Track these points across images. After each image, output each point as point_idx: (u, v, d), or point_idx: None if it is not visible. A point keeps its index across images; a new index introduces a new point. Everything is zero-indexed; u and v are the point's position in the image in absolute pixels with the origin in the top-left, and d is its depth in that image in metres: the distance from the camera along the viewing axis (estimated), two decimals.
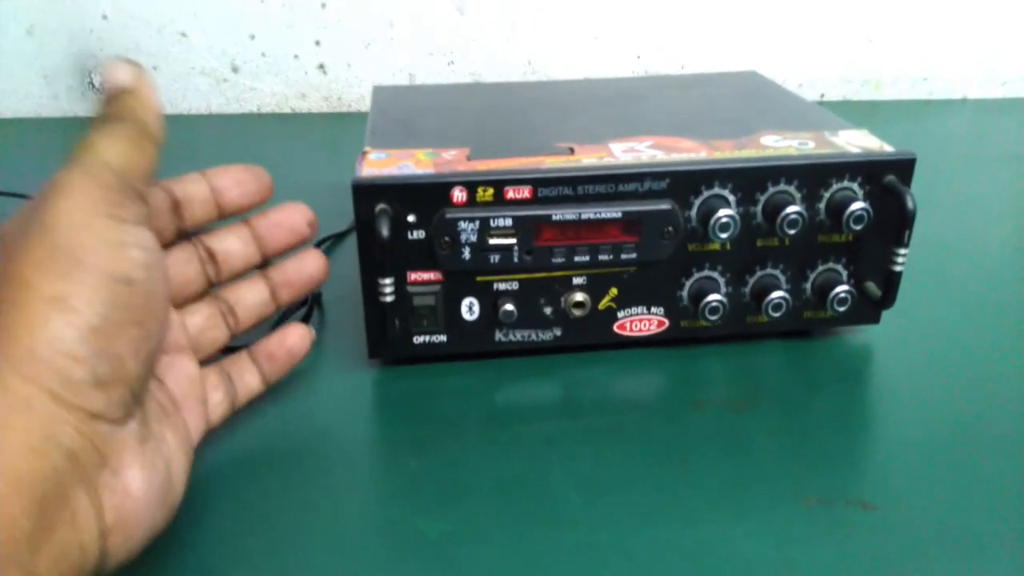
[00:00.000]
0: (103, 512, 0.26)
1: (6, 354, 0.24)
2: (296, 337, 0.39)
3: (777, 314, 0.42)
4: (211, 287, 0.37)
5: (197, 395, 0.34)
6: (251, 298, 0.38)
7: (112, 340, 0.26)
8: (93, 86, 0.82)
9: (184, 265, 0.36)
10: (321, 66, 0.82)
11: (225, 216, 0.37)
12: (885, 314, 0.44)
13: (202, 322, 0.36)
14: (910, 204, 0.39)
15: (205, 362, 0.36)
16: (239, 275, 0.38)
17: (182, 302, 0.36)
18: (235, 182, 0.36)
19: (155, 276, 0.29)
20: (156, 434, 0.30)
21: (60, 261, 0.26)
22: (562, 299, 0.42)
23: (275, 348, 0.38)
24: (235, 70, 0.82)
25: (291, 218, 0.38)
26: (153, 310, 0.28)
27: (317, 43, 0.81)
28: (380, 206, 0.38)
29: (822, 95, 0.86)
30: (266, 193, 0.37)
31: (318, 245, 0.54)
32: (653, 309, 0.43)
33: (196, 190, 0.35)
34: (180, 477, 0.31)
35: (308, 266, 0.39)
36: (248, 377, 0.38)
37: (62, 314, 0.25)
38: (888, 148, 0.42)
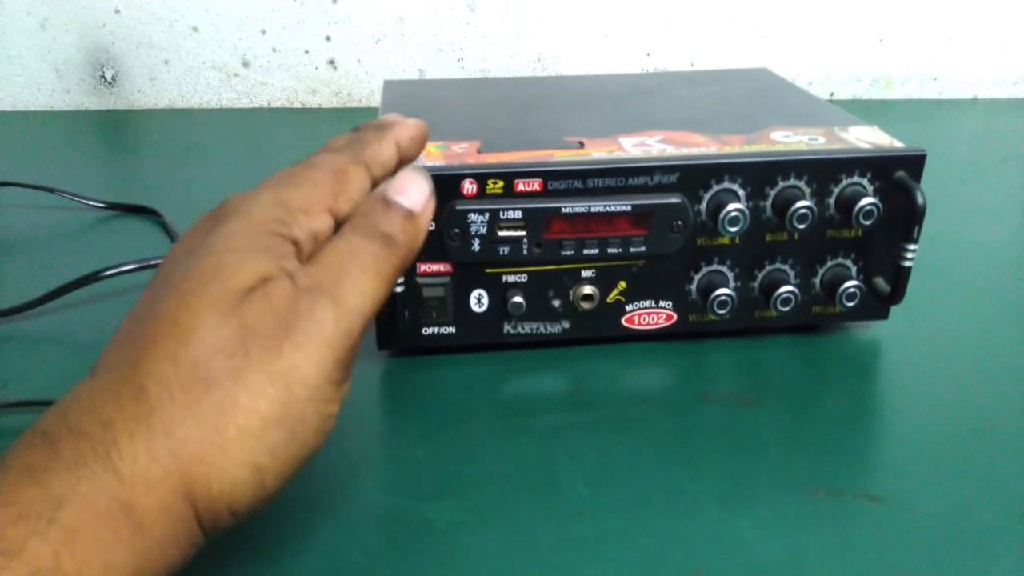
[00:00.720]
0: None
1: (198, 493, 0.23)
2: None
3: (786, 309, 0.42)
4: None
5: None
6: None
7: (266, 502, 0.26)
8: (105, 80, 0.82)
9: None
10: (331, 61, 0.82)
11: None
12: (893, 310, 0.44)
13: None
14: (920, 200, 0.39)
15: None
16: None
17: None
18: (413, 142, 0.33)
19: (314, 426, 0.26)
20: None
21: (280, 430, 0.24)
22: (571, 292, 0.42)
23: None
24: (246, 65, 0.82)
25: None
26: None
27: (327, 38, 0.81)
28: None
29: (832, 94, 0.86)
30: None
31: None
32: (661, 303, 0.43)
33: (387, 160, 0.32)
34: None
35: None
36: None
37: (254, 488, 0.24)
38: (898, 144, 0.42)
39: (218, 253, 0.26)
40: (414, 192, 0.29)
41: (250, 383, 0.24)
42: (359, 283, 0.26)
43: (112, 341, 0.26)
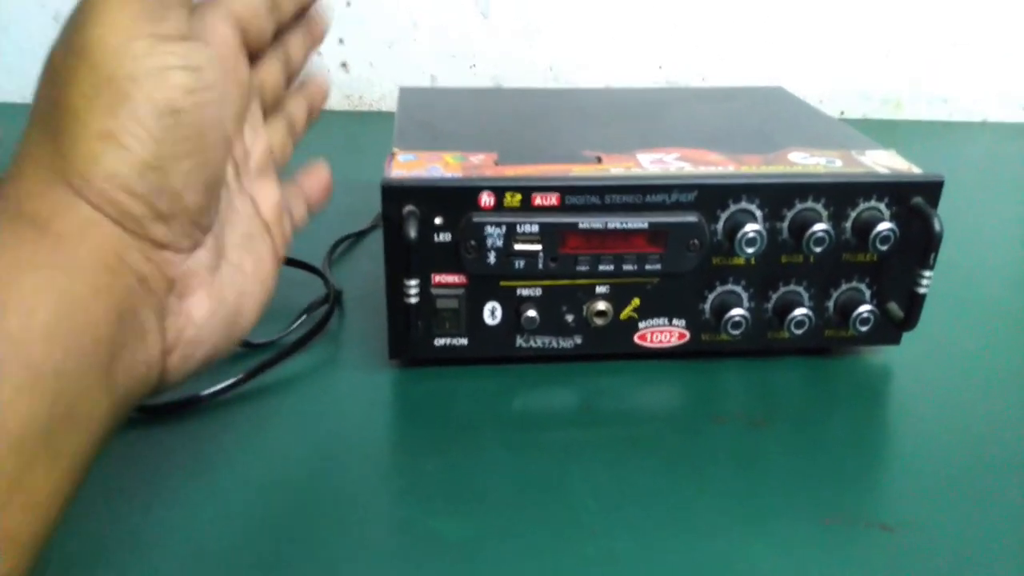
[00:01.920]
0: (165, 333, 0.27)
1: (69, 178, 0.25)
2: (327, 172, 0.38)
3: (799, 331, 0.42)
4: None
5: (279, 219, 0.34)
6: (299, 111, 0.37)
7: (166, 174, 0.26)
8: None
9: (277, 71, 0.34)
10: (343, 64, 0.82)
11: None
12: (905, 335, 0.44)
13: (281, 139, 0.35)
14: (937, 227, 0.39)
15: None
16: (298, 76, 0.37)
17: (268, 114, 0.35)
18: None
19: (205, 99, 0.27)
20: (233, 262, 0.30)
21: (106, 94, 0.25)
22: (584, 307, 0.42)
23: (321, 176, 0.38)
24: None
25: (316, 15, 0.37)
26: (208, 137, 0.27)
27: (340, 41, 0.81)
28: (408, 207, 0.38)
29: (842, 112, 0.86)
30: None
31: (339, 243, 0.54)
32: (675, 321, 0.43)
33: None
34: (252, 309, 0.31)
35: (315, 90, 0.39)
36: (298, 204, 0.37)
37: (114, 151, 0.25)
38: (916, 170, 0.42)
39: None
40: None
41: (60, 74, 0.25)
42: None
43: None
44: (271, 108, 0.35)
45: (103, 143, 0.25)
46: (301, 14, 0.35)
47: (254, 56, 0.32)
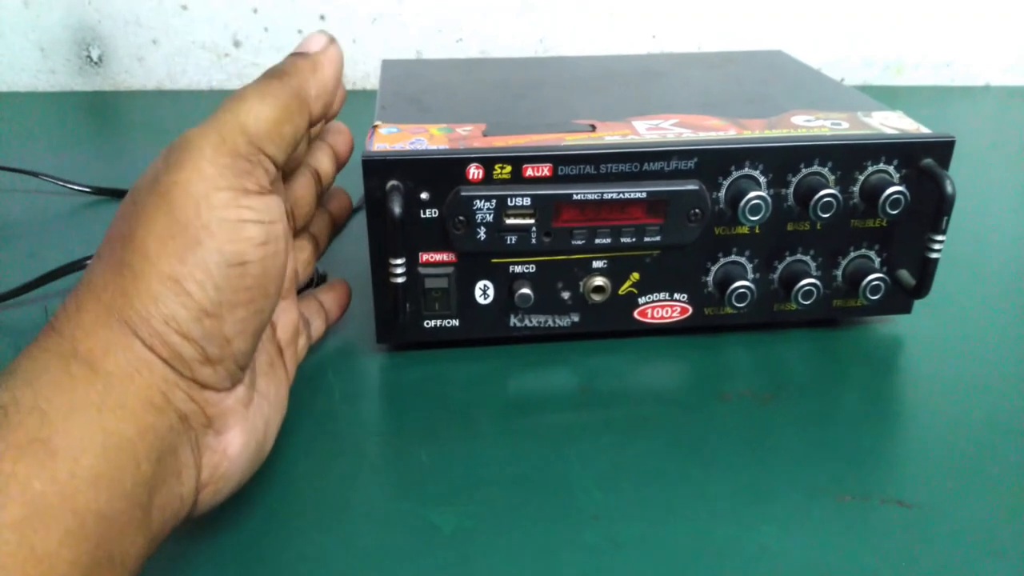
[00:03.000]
0: (201, 469, 0.27)
1: (127, 316, 0.25)
2: (331, 299, 0.41)
3: (807, 302, 0.40)
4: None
5: (296, 338, 0.35)
6: (321, 225, 0.39)
7: (222, 322, 0.26)
8: (91, 59, 0.79)
9: (308, 193, 0.36)
10: None
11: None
12: (915, 304, 0.42)
13: (306, 257, 0.37)
14: (949, 188, 0.37)
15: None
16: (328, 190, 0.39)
17: (298, 233, 0.36)
18: (339, 100, 0.35)
19: (271, 251, 0.28)
20: (261, 391, 0.31)
21: (179, 240, 0.25)
22: (581, 283, 0.40)
23: (341, 293, 0.41)
24: (237, 45, 0.80)
25: (340, 125, 0.39)
26: (265, 288, 0.28)
27: (322, 17, 0.79)
28: (391, 183, 0.36)
29: (843, 79, 0.84)
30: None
31: None
32: (676, 295, 0.41)
33: None
34: (273, 433, 0.32)
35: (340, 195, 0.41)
36: (318, 321, 0.40)
37: (176, 296, 0.25)
38: (924, 130, 0.40)
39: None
40: (312, 41, 0.32)
41: (138, 212, 0.26)
42: (245, 102, 0.28)
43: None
44: (300, 228, 0.36)
45: (167, 286, 0.25)
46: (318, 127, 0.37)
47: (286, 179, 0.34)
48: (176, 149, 0.27)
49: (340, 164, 0.39)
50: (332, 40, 0.32)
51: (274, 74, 0.30)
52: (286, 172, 0.34)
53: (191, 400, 0.26)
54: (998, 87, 0.85)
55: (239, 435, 0.29)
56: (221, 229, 0.26)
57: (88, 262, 0.27)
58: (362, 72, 0.81)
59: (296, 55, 0.31)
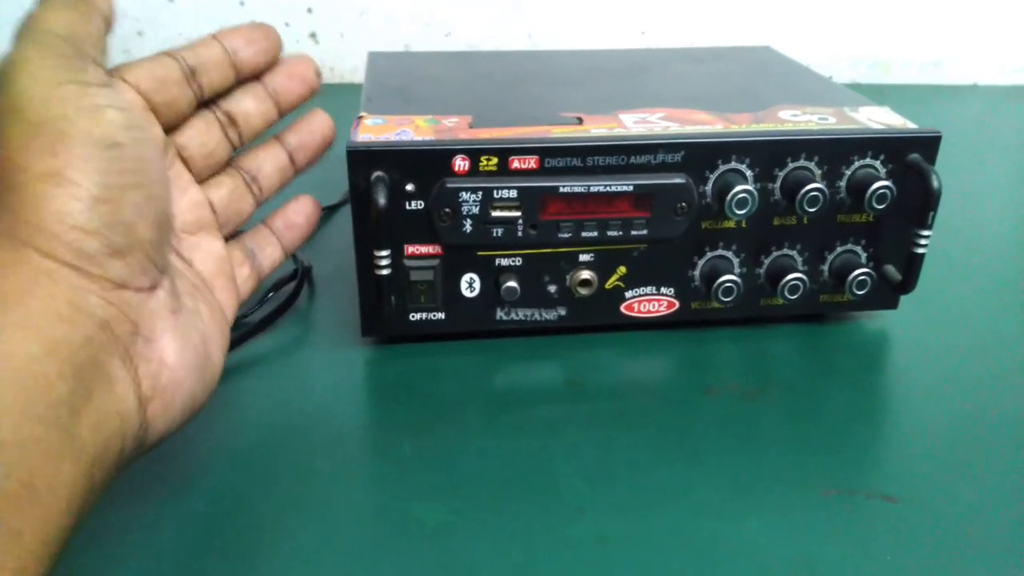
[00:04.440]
0: (139, 381, 0.26)
1: (17, 232, 0.24)
2: (310, 205, 0.38)
3: (793, 296, 0.40)
4: (234, 152, 0.36)
5: (226, 272, 0.34)
6: (271, 164, 0.37)
7: (117, 207, 0.26)
8: None
9: (206, 134, 0.34)
10: (313, 35, 0.79)
11: (241, 77, 0.35)
12: (902, 299, 0.42)
13: (227, 195, 0.35)
14: (935, 183, 0.37)
15: (232, 236, 0.36)
16: (259, 135, 0.37)
17: (208, 174, 0.35)
18: (247, 41, 0.34)
19: (142, 136, 0.27)
20: (189, 307, 0.30)
21: (43, 136, 0.25)
22: (567, 277, 0.39)
23: (294, 216, 0.38)
24: None
25: (299, 68, 0.36)
26: (149, 171, 0.27)
27: (309, 10, 0.78)
28: (376, 174, 0.36)
29: (830, 77, 0.84)
30: (277, 50, 0.36)
31: None
32: (663, 289, 0.40)
33: (209, 54, 0.33)
34: (217, 353, 0.31)
35: (315, 124, 0.38)
36: (269, 249, 0.37)
37: (61, 188, 0.25)
38: (911, 125, 0.40)
39: None
40: None
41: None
42: (42, 15, 0.27)
43: None
44: (212, 167, 0.35)
45: (49, 182, 0.25)
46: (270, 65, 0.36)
47: (176, 118, 0.33)
48: (4, 68, 0.26)
49: (288, 103, 0.37)
50: None
51: None
52: (170, 117, 0.32)
53: (108, 303, 0.25)
54: (986, 86, 0.85)
55: (172, 341, 0.28)
56: (80, 116, 0.25)
57: None
58: (350, 66, 0.80)
59: None
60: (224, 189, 0.35)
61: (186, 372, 0.28)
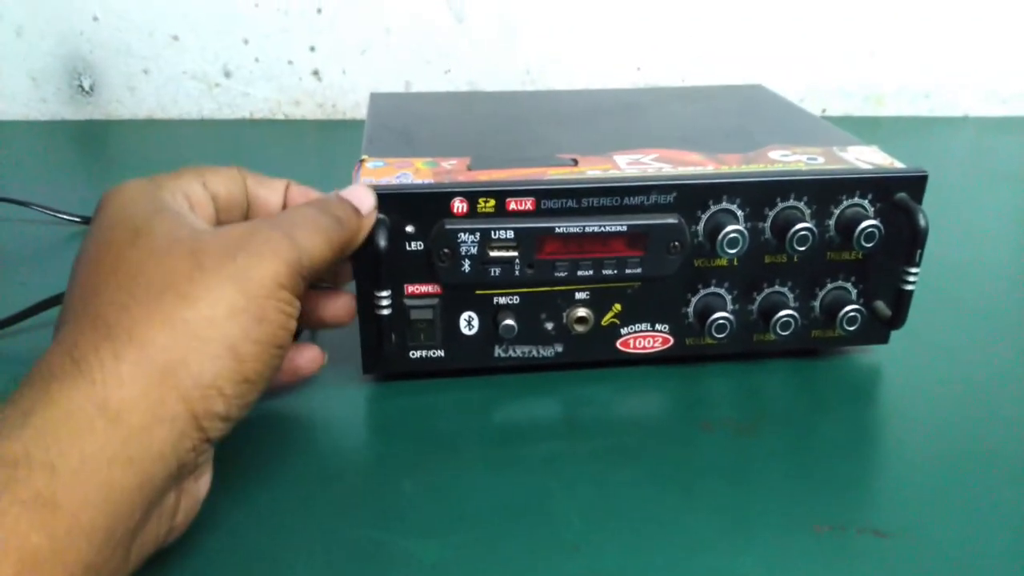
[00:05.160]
0: (178, 512, 0.29)
1: (178, 373, 0.27)
2: (306, 360, 0.39)
3: (785, 332, 0.41)
4: None
5: None
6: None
7: (254, 389, 0.29)
8: (82, 89, 0.80)
9: None
10: (315, 72, 0.81)
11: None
12: (893, 334, 0.43)
13: None
14: (922, 222, 0.38)
15: None
16: None
17: None
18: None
19: (289, 342, 0.31)
20: None
21: (247, 317, 0.28)
22: (564, 314, 0.40)
23: (286, 365, 0.38)
24: (227, 75, 0.81)
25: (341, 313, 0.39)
26: (276, 364, 0.31)
27: (312, 49, 0.80)
28: (378, 216, 0.37)
29: (824, 110, 0.86)
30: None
31: None
32: (658, 326, 0.41)
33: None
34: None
35: (337, 305, 0.39)
36: None
37: (231, 363, 0.28)
38: (899, 164, 0.41)
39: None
40: (364, 198, 0.36)
41: (207, 282, 0.28)
42: (310, 234, 0.32)
43: (58, 317, 0.29)
44: None
45: (227, 355, 0.28)
46: None
47: None
48: (254, 238, 0.30)
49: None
50: (375, 206, 0.36)
51: (333, 218, 0.33)
52: None
53: (194, 451, 0.28)
54: (976, 117, 0.87)
55: (208, 478, 0.30)
56: (277, 316, 0.30)
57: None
58: (352, 102, 0.82)
59: (350, 206, 0.35)
60: None
61: (200, 505, 0.31)
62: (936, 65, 0.84)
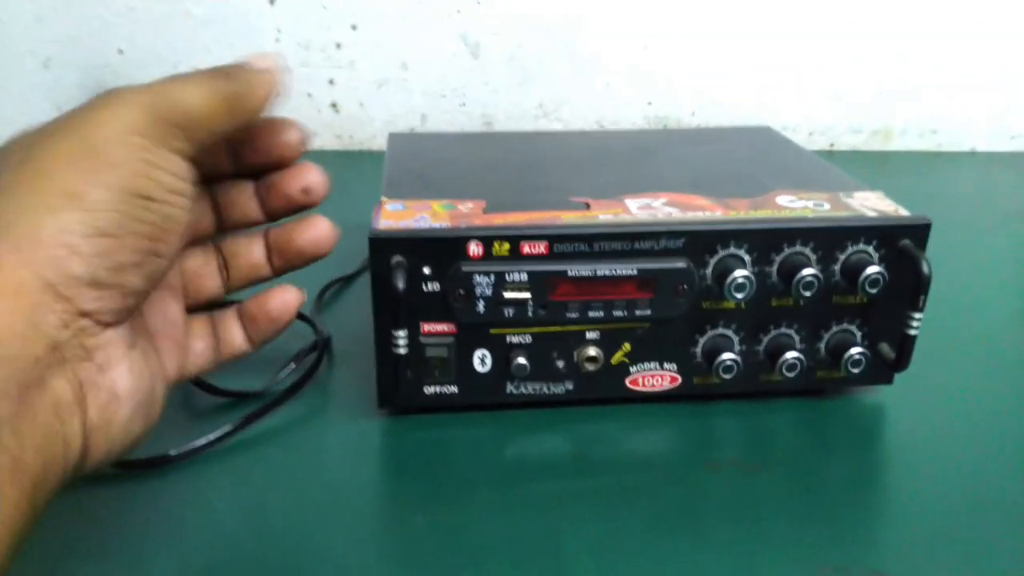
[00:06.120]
0: (87, 407, 0.26)
1: (9, 235, 0.24)
2: (279, 301, 0.35)
3: (791, 374, 0.41)
4: (215, 235, 0.36)
5: (176, 337, 0.33)
6: (246, 255, 0.36)
7: (118, 247, 0.26)
8: None
9: (199, 208, 0.34)
10: (334, 104, 0.83)
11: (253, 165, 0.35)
12: (897, 374, 0.44)
13: (196, 268, 0.35)
14: (926, 269, 0.39)
15: (193, 309, 0.35)
16: (242, 226, 0.36)
17: (188, 243, 0.34)
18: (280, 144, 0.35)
19: (178, 204, 0.28)
20: (143, 347, 0.30)
21: (88, 161, 0.26)
22: (575, 353, 0.41)
23: (255, 310, 0.35)
24: None
25: (314, 227, 0.36)
26: (167, 234, 0.28)
27: (331, 82, 0.82)
28: (396, 258, 0.38)
29: (831, 145, 0.87)
30: (296, 154, 0.36)
31: (326, 288, 0.54)
32: (666, 365, 0.42)
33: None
34: (159, 399, 0.31)
35: (312, 230, 0.35)
36: (233, 333, 0.35)
37: (73, 207, 0.25)
38: (903, 212, 0.42)
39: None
40: (259, 59, 0.32)
41: (47, 142, 0.26)
42: (180, 83, 0.28)
43: None
44: (194, 236, 0.34)
45: (67, 199, 0.25)
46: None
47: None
48: (103, 95, 0.27)
49: (280, 215, 0.36)
50: (279, 69, 0.32)
51: (220, 73, 0.30)
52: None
53: (65, 326, 0.25)
54: (983, 153, 0.88)
55: (126, 374, 0.28)
56: (132, 164, 0.26)
57: None
58: (368, 134, 0.84)
59: (245, 65, 0.31)
60: (195, 261, 0.35)
61: (133, 408, 0.28)
62: (944, 101, 0.86)
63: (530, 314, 0.40)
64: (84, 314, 0.26)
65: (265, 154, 0.35)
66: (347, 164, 0.81)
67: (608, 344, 0.41)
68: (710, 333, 0.42)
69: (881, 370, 0.43)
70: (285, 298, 0.35)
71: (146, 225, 0.27)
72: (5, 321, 0.24)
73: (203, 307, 0.36)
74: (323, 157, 0.85)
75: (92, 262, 0.25)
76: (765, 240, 0.40)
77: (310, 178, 0.36)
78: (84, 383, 0.26)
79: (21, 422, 0.23)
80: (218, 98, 0.29)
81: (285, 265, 0.36)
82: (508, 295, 0.39)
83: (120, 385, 0.27)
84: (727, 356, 0.41)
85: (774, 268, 0.40)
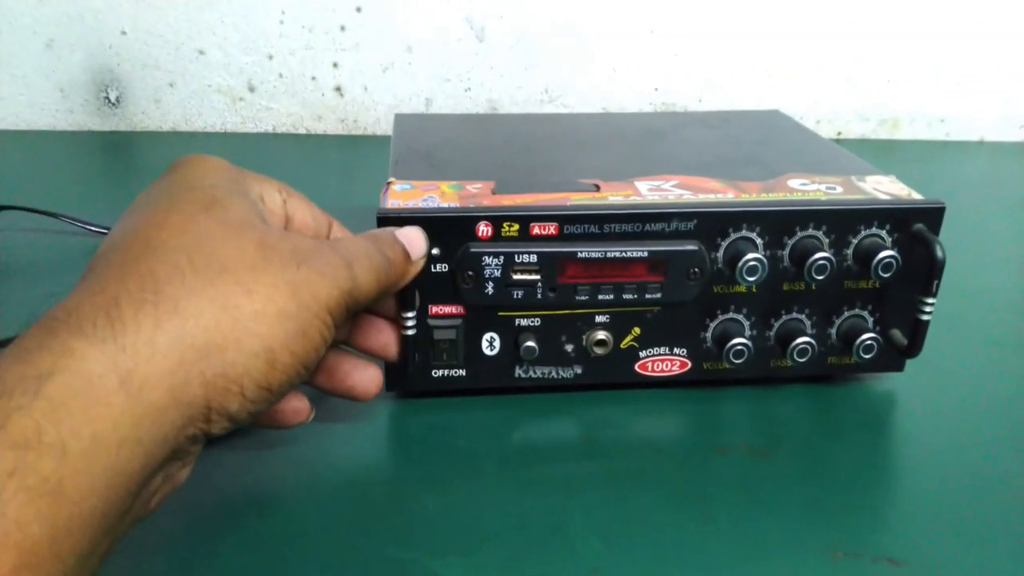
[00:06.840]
0: (155, 495, 0.28)
1: (210, 360, 0.26)
2: (291, 407, 0.35)
3: (802, 359, 0.41)
4: None
5: None
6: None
7: (271, 399, 0.29)
8: (109, 101, 0.82)
9: None
10: (338, 88, 0.82)
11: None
12: (908, 361, 0.44)
13: None
14: (939, 254, 0.39)
15: None
16: None
17: None
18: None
19: (318, 358, 0.31)
20: None
21: (292, 325, 0.28)
22: (584, 337, 0.41)
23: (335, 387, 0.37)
24: (251, 89, 0.82)
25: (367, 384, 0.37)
26: (293, 387, 0.30)
27: (335, 65, 0.81)
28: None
29: (839, 133, 0.86)
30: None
31: None
32: (676, 350, 0.42)
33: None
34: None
35: (369, 370, 0.37)
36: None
37: (262, 365, 0.27)
38: (916, 195, 0.41)
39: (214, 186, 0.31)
40: (416, 243, 0.36)
41: (267, 279, 0.28)
42: (364, 269, 0.32)
43: (98, 254, 0.28)
44: None
45: (263, 356, 0.27)
46: None
47: None
48: (318, 260, 0.30)
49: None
50: (426, 253, 0.37)
51: (385, 258, 0.33)
52: None
53: (193, 441, 0.27)
54: (991, 142, 0.87)
55: (191, 469, 0.30)
56: (316, 337, 0.29)
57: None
58: (373, 118, 0.83)
59: (402, 249, 0.35)
60: None
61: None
62: (952, 90, 0.85)
63: (539, 296, 0.39)
64: (207, 434, 0.28)
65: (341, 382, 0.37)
66: (351, 148, 0.81)
67: (618, 328, 0.41)
68: (721, 318, 0.41)
69: (892, 357, 0.43)
70: (300, 405, 0.36)
71: (292, 385, 0.30)
72: (164, 431, 0.25)
73: None
74: (327, 141, 0.86)
75: (245, 406, 0.27)
76: (777, 223, 0.39)
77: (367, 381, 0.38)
78: (167, 478, 0.28)
79: (127, 515, 0.25)
80: (382, 286, 0.33)
81: (327, 390, 0.37)
82: (517, 277, 0.39)
83: (183, 477, 0.29)
84: (738, 341, 0.41)
85: (786, 252, 0.40)
